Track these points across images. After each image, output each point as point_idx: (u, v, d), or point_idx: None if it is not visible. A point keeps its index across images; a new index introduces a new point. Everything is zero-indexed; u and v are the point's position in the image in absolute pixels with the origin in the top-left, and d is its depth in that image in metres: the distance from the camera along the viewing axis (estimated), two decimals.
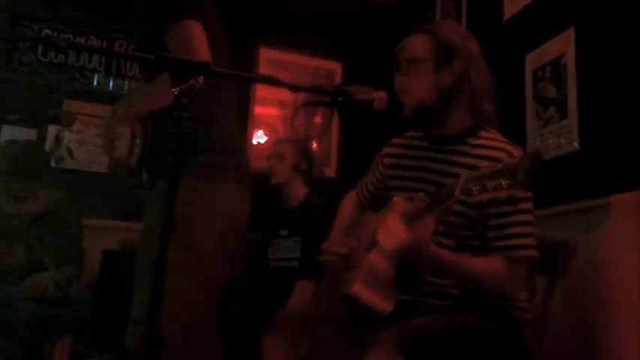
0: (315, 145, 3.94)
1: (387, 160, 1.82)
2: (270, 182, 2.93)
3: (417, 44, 1.64)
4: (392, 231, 1.43)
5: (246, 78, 1.84)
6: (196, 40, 1.55)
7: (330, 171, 3.91)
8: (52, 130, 3.34)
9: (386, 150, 1.85)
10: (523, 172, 1.16)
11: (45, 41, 3.29)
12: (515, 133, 1.69)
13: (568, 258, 1.86)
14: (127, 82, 3.58)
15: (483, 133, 1.64)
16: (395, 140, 1.85)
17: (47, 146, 3.28)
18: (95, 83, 3.51)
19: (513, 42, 2.88)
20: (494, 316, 1.55)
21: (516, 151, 1.56)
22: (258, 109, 3.88)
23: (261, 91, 3.85)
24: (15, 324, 2.43)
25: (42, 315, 2.50)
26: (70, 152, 3.39)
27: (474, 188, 1.24)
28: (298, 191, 2.95)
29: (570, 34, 2.50)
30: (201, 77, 1.11)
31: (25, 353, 2.47)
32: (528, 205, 1.53)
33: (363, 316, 1.51)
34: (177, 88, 1.07)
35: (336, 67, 3.94)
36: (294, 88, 1.33)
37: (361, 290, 1.50)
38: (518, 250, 1.51)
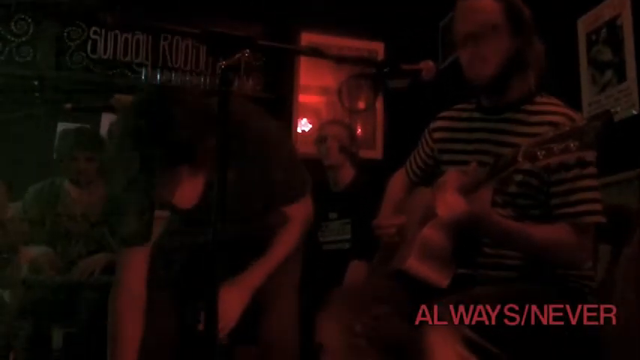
0: (359, 128, 3.92)
1: (436, 135, 1.78)
2: (322, 165, 2.94)
3: (490, 9, 1.56)
4: (449, 203, 1.40)
5: (293, 50, 1.84)
6: None
7: (376, 153, 3.89)
8: (105, 124, 3.45)
9: (434, 124, 1.80)
10: (593, 133, 1.11)
11: (94, 18, 3.39)
12: (570, 101, 1.62)
13: (633, 225, 1.78)
14: (173, 74, 3.65)
15: (539, 99, 1.58)
16: (443, 113, 1.80)
17: None
18: (143, 77, 3.60)
19: (564, 6, 2.77)
20: (556, 285, 1.50)
21: (576, 115, 1.50)
22: (302, 97, 3.89)
23: (304, 79, 3.87)
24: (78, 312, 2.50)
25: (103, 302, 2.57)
26: None
27: (539, 153, 1.20)
28: (346, 173, 2.95)
29: None
30: (247, 50, 1.10)
31: (90, 341, 2.55)
32: (593, 170, 1.47)
33: (419, 291, 1.49)
34: (223, 62, 1.08)
35: (378, 47, 3.91)
36: (339, 59, 1.32)
37: (416, 264, 1.48)
38: (586, 217, 1.45)
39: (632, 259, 1.50)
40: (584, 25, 2.63)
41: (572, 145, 1.14)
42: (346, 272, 2.66)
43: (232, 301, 1.61)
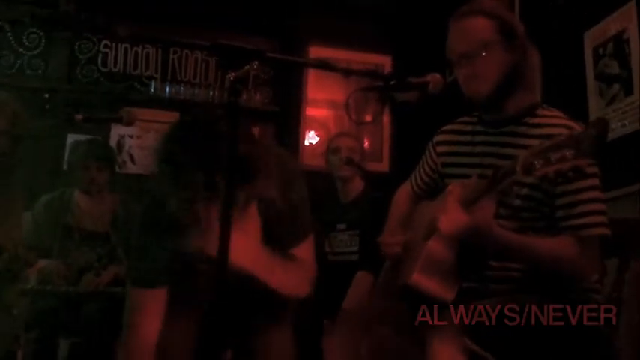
0: (366, 141, 3.94)
1: (440, 148, 1.78)
2: (331, 176, 2.96)
3: (482, 27, 1.57)
4: (450, 216, 1.41)
5: (301, 62, 1.86)
6: None
7: (383, 166, 3.90)
8: (114, 136, 3.49)
9: (437, 138, 1.81)
10: (588, 141, 1.11)
11: (108, 31, 3.44)
12: (577, 114, 1.62)
13: None
14: (182, 87, 3.68)
15: (541, 112, 1.58)
16: (446, 127, 1.81)
17: None
18: (152, 90, 3.64)
19: (570, 20, 2.78)
20: (560, 297, 1.49)
21: (578, 127, 1.49)
22: (309, 111, 3.92)
23: (312, 92, 3.90)
24: (84, 323, 2.51)
25: (109, 314, 2.58)
26: (132, 157, 3.53)
27: (536, 162, 1.20)
28: (355, 185, 2.97)
29: (631, 8, 2.39)
30: (256, 62, 1.12)
31: (96, 351, 2.55)
32: (597, 182, 1.47)
33: (425, 305, 1.48)
34: (232, 74, 1.09)
35: (385, 61, 3.93)
36: (347, 72, 1.33)
37: (420, 279, 1.47)
38: (590, 229, 1.45)
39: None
40: (590, 39, 2.64)
41: (568, 153, 1.14)
42: (352, 284, 2.66)
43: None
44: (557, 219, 1.48)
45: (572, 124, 1.51)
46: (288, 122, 3.83)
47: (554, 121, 1.53)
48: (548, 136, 1.47)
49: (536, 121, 1.56)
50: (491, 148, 1.60)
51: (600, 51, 2.57)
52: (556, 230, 1.48)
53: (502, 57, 1.55)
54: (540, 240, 1.45)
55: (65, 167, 3.22)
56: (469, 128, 1.70)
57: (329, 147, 3.07)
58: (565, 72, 2.67)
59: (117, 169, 3.33)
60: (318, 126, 3.94)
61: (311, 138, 3.92)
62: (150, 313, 1.51)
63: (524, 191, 1.47)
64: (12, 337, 2.03)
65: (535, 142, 1.47)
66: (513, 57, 1.55)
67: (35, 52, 3.52)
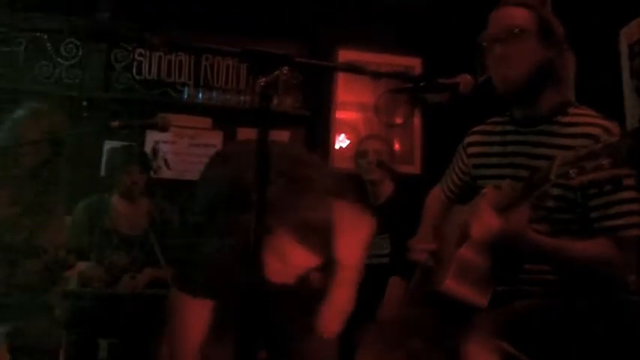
0: (397, 143, 3.93)
1: (470, 150, 1.77)
2: (362, 179, 2.96)
3: (519, 15, 1.56)
4: (484, 222, 1.39)
5: (330, 67, 1.88)
6: None
7: (415, 168, 3.88)
8: (149, 142, 3.56)
9: (468, 139, 1.80)
10: (626, 151, 1.09)
11: (142, 39, 3.51)
12: (612, 113, 1.59)
13: None
14: (214, 93, 3.74)
15: (573, 110, 1.56)
16: (476, 128, 1.79)
17: None
18: (186, 96, 3.71)
19: (606, 17, 2.72)
20: (596, 299, 1.47)
21: (612, 126, 1.47)
22: (340, 114, 3.92)
23: (341, 95, 3.91)
24: (122, 324, 2.58)
25: (146, 315, 2.64)
26: (167, 162, 3.60)
27: (571, 171, 1.19)
28: (386, 188, 2.96)
29: None
30: (285, 67, 1.14)
31: (134, 352, 2.61)
32: (632, 181, 1.44)
33: (459, 311, 1.48)
34: (263, 79, 1.11)
35: (415, 63, 3.92)
36: (376, 74, 1.34)
37: (453, 285, 1.47)
38: (627, 230, 1.42)
39: None
40: (626, 35, 2.58)
41: (604, 162, 1.12)
42: (386, 289, 2.65)
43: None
44: (592, 220, 1.46)
45: (606, 123, 1.49)
46: (318, 126, 3.85)
47: (587, 120, 1.51)
48: (582, 135, 1.46)
49: (568, 119, 1.54)
50: (523, 147, 1.59)
51: (636, 48, 2.52)
52: (590, 232, 1.46)
53: (536, 48, 1.54)
54: (575, 243, 1.43)
55: (103, 173, 3.31)
56: (500, 128, 1.69)
57: (357, 150, 3.07)
58: (600, 70, 2.62)
59: (152, 174, 3.42)
60: (349, 129, 3.94)
61: (341, 141, 3.92)
62: (191, 323, 1.52)
63: (557, 191, 1.46)
64: (55, 337, 2.10)
65: (568, 141, 1.46)
66: (548, 53, 1.54)
67: (72, 62, 3.62)
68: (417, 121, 3.90)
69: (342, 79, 3.88)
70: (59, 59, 3.61)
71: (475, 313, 1.43)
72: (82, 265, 2.49)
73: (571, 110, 1.56)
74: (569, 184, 1.41)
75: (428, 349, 1.48)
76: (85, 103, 3.44)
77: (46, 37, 3.59)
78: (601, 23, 2.72)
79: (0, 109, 2.27)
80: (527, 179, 1.36)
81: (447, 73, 1.38)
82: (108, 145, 3.47)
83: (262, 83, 1.11)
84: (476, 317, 1.42)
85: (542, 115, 1.57)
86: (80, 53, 3.64)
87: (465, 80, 1.36)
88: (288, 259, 1.40)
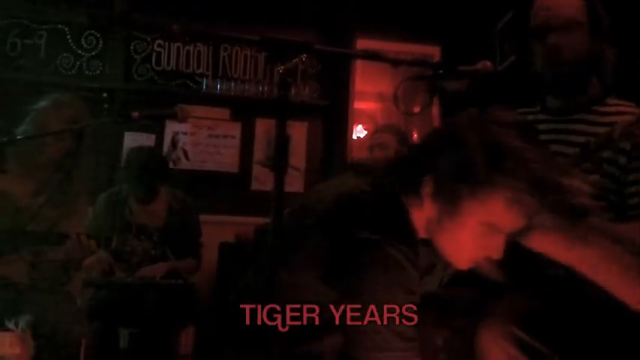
0: (415, 132, 3.90)
1: None
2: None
3: (573, 4, 1.58)
4: None
5: (349, 54, 1.86)
6: None
7: None
8: (168, 133, 3.59)
9: None
10: None
11: (162, 29, 3.53)
12: None
13: None
14: (232, 84, 3.75)
15: (611, 101, 1.57)
16: None
17: (165, 148, 3.54)
18: (204, 87, 3.73)
19: None
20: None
21: None
22: (358, 104, 3.91)
23: (359, 85, 3.89)
24: (143, 314, 2.60)
25: (166, 305, 2.67)
26: (185, 153, 3.63)
27: (637, 131, 1.19)
28: None
29: None
30: (304, 55, 1.13)
31: (154, 341, 2.64)
32: None
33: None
34: (281, 67, 1.11)
35: (434, 51, 3.88)
36: (395, 62, 1.32)
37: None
38: None
39: None
40: None
41: None
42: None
43: None
44: (628, 195, 1.44)
45: None
46: (336, 116, 3.84)
47: (626, 109, 1.52)
48: None
49: (606, 109, 1.55)
50: (557, 135, 1.59)
51: None
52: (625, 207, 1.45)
53: (585, 39, 1.56)
54: (611, 225, 1.41)
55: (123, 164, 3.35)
56: (531, 117, 1.69)
57: (369, 144, 3.06)
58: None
59: (171, 165, 3.44)
60: (366, 119, 3.93)
61: (359, 132, 3.92)
62: None
63: (608, 154, 1.44)
64: (78, 327, 2.13)
65: (605, 130, 1.44)
66: (594, 44, 1.56)
67: (93, 54, 3.66)
68: (435, 109, 3.87)
69: (359, 69, 3.86)
70: (80, 51, 3.65)
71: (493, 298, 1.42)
72: (102, 253, 2.51)
73: (609, 101, 1.57)
74: (611, 158, 1.43)
75: (471, 327, 1.48)
76: (105, 95, 3.47)
77: (66, 29, 3.63)
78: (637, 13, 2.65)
79: (22, 101, 2.29)
80: (582, 147, 1.37)
81: (467, 61, 1.36)
82: (128, 135, 3.51)
83: (281, 71, 1.11)
84: (491, 304, 1.41)
85: (579, 105, 1.58)
86: (100, 45, 3.67)
87: (484, 67, 1.34)
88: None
